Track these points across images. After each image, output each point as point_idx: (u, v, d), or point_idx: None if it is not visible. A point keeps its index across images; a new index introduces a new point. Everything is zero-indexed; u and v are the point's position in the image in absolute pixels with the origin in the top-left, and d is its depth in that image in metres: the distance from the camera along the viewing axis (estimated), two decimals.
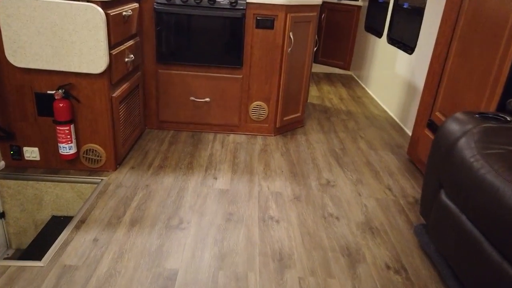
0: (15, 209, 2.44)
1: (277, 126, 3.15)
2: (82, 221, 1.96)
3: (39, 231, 2.48)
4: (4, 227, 2.48)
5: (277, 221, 2.08)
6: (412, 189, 2.49)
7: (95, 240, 1.83)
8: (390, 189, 2.46)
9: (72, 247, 1.77)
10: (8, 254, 2.51)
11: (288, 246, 1.90)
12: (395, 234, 2.02)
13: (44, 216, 2.48)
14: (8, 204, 2.43)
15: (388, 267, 1.78)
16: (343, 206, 2.25)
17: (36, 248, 2.22)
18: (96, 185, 2.36)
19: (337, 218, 2.13)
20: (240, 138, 3.11)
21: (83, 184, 2.38)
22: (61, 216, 2.47)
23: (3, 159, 2.42)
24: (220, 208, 2.16)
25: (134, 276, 1.63)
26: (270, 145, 3.02)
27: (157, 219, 2.02)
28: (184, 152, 2.80)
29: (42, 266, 1.64)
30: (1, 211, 2.43)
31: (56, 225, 2.41)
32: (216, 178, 2.47)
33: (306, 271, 1.74)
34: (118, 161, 2.53)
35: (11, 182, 2.37)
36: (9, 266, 1.63)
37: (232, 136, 3.14)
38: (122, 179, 2.39)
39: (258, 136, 3.17)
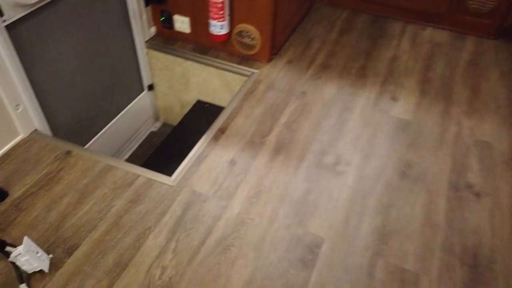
0: (163, 84, 2.25)
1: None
2: (221, 131, 1.62)
3: (184, 113, 2.29)
4: (152, 98, 2.36)
5: (478, 195, 1.41)
6: None
7: (232, 163, 1.49)
8: None
9: (206, 166, 1.47)
10: (155, 127, 2.45)
11: (490, 244, 1.27)
12: None
13: (190, 98, 2.24)
14: (157, 77, 2.23)
15: None
16: None
17: (178, 135, 2.04)
18: (245, 78, 1.94)
19: None
20: (441, 35, 2.20)
21: (231, 74, 1.98)
22: (206, 103, 2.20)
23: (154, 25, 2.13)
24: (394, 151, 1.55)
25: (267, 232, 1.27)
26: (485, 54, 2.06)
27: (308, 149, 1.55)
28: (358, 48, 2.10)
29: (171, 186, 1.40)
30: (151, 83, 2.27)
31: (200, 111, 2.16)
32: (395, 100, 1.79)
33: None
34: (274, 50, 2.01)
35: (160, 55, 2.11)
36: (139, 175, 1.42)
37: (429, 30, 2.24)
38: (276, 77, 1.90)
39: (469, 36, 2.19)
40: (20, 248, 1.08)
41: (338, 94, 1.81)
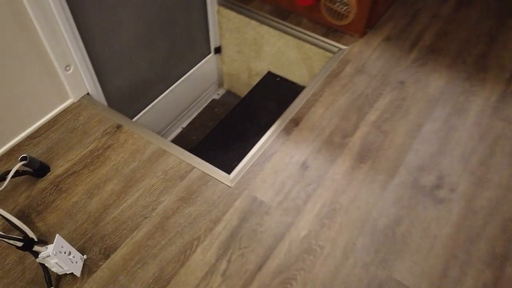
0: (232, 48, 1.97)
1: None
2: (295, 122, 1.34)
3: (252, 84, 2.02)
4: (219, 63, 2.10)
5: None
6: None
7: (304, 166, 1.22)
8: None
9: (272, 166, 1.22)
10: (218, 95, 2.21)
11: None
12: None
13: (260, 68, 1.95)
14: (226, 40, 1.95)
15: None
16: None
17: (242, 112, 1.79)
18: (330, 55, 1.61)
19: None
20: None
21: (313, 47, 1.65)
22: (278, 76, 1.90)
23: None
24: None
25: (340, 268, 1.01)
26: None
27: (401, 161, 1.23)
28: (479, 29, 1.65)
29: (228, 186, 1.17)
30: (218, 45, 2.00)
31: (271, 85, 1.88)
32: None
33: None
34: (370, 22, 1.63)
35: (232, 14, 1.82)
36: (193, 167, 1.21)
37: None
38: (368, 58, 1.54)
39: None
40: (49, 249, 0.92)
41: (447, 89, 1.43)
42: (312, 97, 1.41)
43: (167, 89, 1.85)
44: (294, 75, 1.84)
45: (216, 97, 2.19)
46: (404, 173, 1.20)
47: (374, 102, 1.39)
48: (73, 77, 1.31)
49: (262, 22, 1.74)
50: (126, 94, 1.63)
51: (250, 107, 1.80)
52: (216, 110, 2.11)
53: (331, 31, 1.66)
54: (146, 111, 1.78)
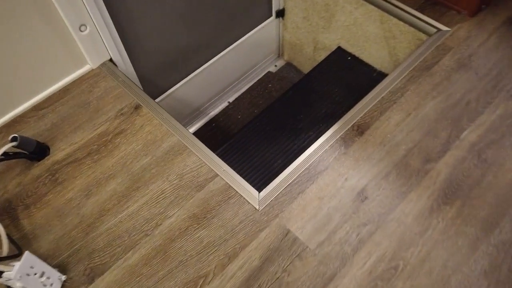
0: (298, 14, 1.61)
1: None
2: (358, 130, 0.99)
3: (317, 59, 1.66)
4: (280, 29, 1.75)
5: None
6: None
7: (362, 196, 0.89)
8: None
9: (318, 189, 0.91)
10: (276, 66, 1.88)
11: None
12: None
13: (329, 41, 1.58)
14: (291, 1, 1.59)
15: None
16: None
17: (300, 94, 1.46)
18: (425, 36, 1.20)
19: None
20: None
21: (401, 24, 1.24)
22: (349, 54, 1.52)
23: None
24: None
25: None
26: None
27: (508, 208, 0.86)
28: None
29: (255, 209, 0.89)
30: (281, 7, 1.64)
31: (340, 64, 1.51)
32: None
33: None
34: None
35: None
36: (216, 175, 0.94)
37: None
38: (478, 47, 1.11)
39: None
40: (13, 271, 0.73)
41: None
42: (389, 96, 1.04)
43: (213, 57, 1.56)
44: (371, 57, 1.45)
45: (273, 69, 1.86)
46: (509, 230, 0.83)
47: (478, 114, 0.99)
48: (90, 39, 1.07)
49: None
50: (161, 62, 1.37)
51: (309, 91, 1.46)
52: (270, 85, 1.79)
53: (430, 4, 1.23)
54: (187, 81, 1.52)
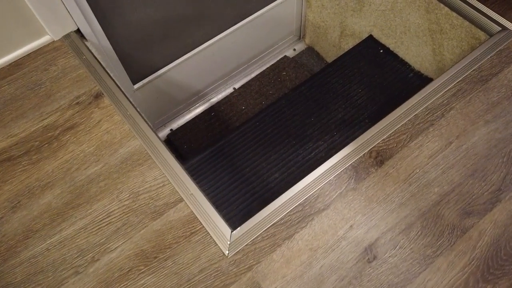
0: None
1: None
2: (377, 158, 0.73)
3: (345, 49, 1.39)
4: (303, 6, 1.47)
5: None
6: None
7: (369, 253, 0.65)
8: None
9: (312, 234, 0.67)
10: (294, 50, 1.61)
11: None
12: None
13: (359, 27, 1.29)
14: None
15: None
16: None
17: (317, 92, 1.19)
18: (484, 36, 0.91)
19: None
20: None
21: (454, 15, 0.95)
22: (381, 45, 1.23)
23: None
24: None
25: None
26: None
27: None
28: None
29: (224, 255, 0.66)
30: None
31: (369, 57, 1.23)
32: None
33: None
34: None
35: None
36: (181, 200, 0.71)
37: None
38: None
39: None
40: None
41: None
42: (425, 114, 0.77)
43: (219, 33, 1.30)
44: (409, 52, 1.17)
45: (290, 53, 1.59)
46: None
47: None
48: (47, 3, 0.84)
49: None
50: (150, 35, 1.13)
51: (326, 87, 1.19)
52: (284, 73, 1.53)
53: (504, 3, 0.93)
54: (184, 60, 1.28)
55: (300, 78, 1.50)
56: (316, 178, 0.72)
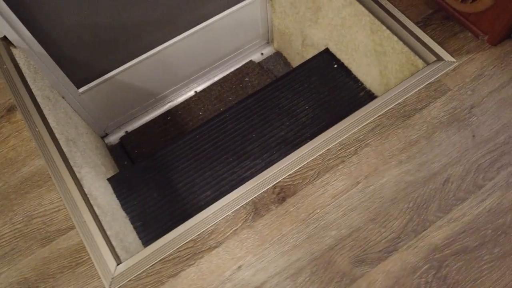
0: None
1: None
2: (280, 193, 0.71)
3: (306, 58, 1.34)
4: (268, 11, 1.41)
5: None
6: None
7: None
8: None
9: (190, 280, 0.65)
10: (262, 54, 1.56)
11: None
12: None
13: (316, 38, 1.24)
14: None
15: None
16: None
17: (266, 101, 1.16)
18: (421, 63, 0.86)
19: None
20: None
21: (395, 39, 0.89)
22: (336, 60, 1.18)
23: None
24: None
25: None
26: None
27: None
28: None
29: (111, 277, 0.65)
30: None
31: (325, 70, 1.18)
32: None
33: None
34: None
35: None
36: (72, 227, 0.70)
37: None
38: (490, 92, 0.77)
39: None
40: None
41: None
42: (337, 149, 0.74)
43: (170, 39, 1.27)
44: (360, 69, 1.12)
45: (257, 57, 1.54)
46: None
47: (457, 202, 0.68)
48: None
49: None
50: (95, 40, 1.10)
51: (274, 101, 1.15)
52: (246, 79, 1.49)
53: (440, 17, 0.87)
54: (138, 63, 1.25)
55: (262, 85, 1.46)
56: (213, 212, 0.70)
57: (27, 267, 0.67)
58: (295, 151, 0.74)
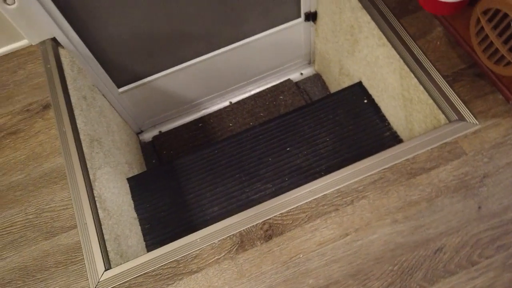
0: (327, 22, 1.26)
1: None
2: (268, 232, 0.72)
3: (342, 87, 1.33)
4: (312, 34, 1.41)
5: None
6: None
7: None
8: None
9: None
10: (301, 74, 1.56)
11: None
12: None
13: (352, 70, 1.23)
14: (324, 7, 1.24)
15: None
16: None
17: (289, 125, 1.17)
18: (443, 120, 0.82)
19: None
20: None
21: (421, 89, 0.86)
22: (367, 95, 1.16)
23: None
24: None
25: None
26: None
27: None
28: None
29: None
30: (313, 10, 1.30)
31: (355, 104, 1.17)
32: None
33: None
34: None
35: None
36: (74, 226, 0.76)
37: None
38: (508, 163, 0.72)
39: None
40: None
41: None
42: (333, 196, 0.73)
43: (209, 52, 1.31)
44: (388, 110, 1.09)
45: (296, 77, 1.55)
46: None
47: (445, 275, 0.65)
48: (21, 13, 0.91)
49: (365, 7, 0.98)
50: (137, 47, 1.17)
51: (297, 128, 1.15)
52: (281, 97, 1.50)
53: (471, 75, 0.82)
54: (173, 72, 1.31)
55: (295, 106, 1.46)
56: (202, 237, 0.73)
57: (29, 257, 0.74)
58: (291, 191, 0.75)
